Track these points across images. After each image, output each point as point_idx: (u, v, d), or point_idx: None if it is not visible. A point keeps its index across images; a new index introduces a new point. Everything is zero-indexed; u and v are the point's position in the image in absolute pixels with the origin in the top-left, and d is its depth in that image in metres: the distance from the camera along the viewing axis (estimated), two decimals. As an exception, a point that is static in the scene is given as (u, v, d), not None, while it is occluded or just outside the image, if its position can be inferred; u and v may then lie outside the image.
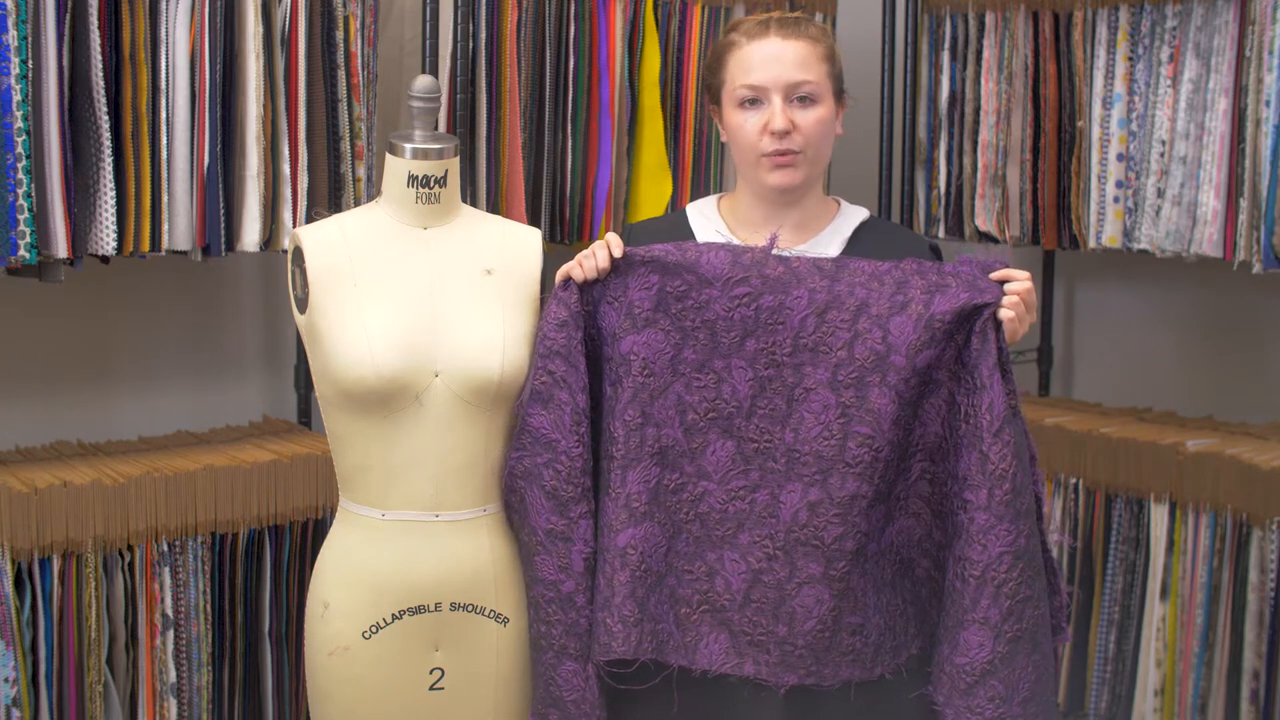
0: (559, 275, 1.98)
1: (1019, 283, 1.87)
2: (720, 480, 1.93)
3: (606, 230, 2.92)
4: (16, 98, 2.24)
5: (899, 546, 1.92)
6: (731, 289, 1.91)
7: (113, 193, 2.37)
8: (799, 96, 1.95)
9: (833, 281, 1.91)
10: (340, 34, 2.61)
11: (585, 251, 1.96)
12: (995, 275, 1.88)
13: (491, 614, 2.06)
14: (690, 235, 2.05)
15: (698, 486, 1.93)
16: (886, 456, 1.87)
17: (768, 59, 1.96)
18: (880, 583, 1.92)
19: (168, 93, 2.43)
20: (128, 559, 2.41)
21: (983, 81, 3.18)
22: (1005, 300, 1.86)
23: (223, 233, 2.49)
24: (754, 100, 1.96)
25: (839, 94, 2.02)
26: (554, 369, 1.94)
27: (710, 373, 1.92)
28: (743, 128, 1.97)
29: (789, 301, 1.90)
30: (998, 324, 1.85)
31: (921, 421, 1.88)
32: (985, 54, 3.17)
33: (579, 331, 1.95)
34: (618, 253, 1.94)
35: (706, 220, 2.06)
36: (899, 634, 1.94)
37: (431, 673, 2.05)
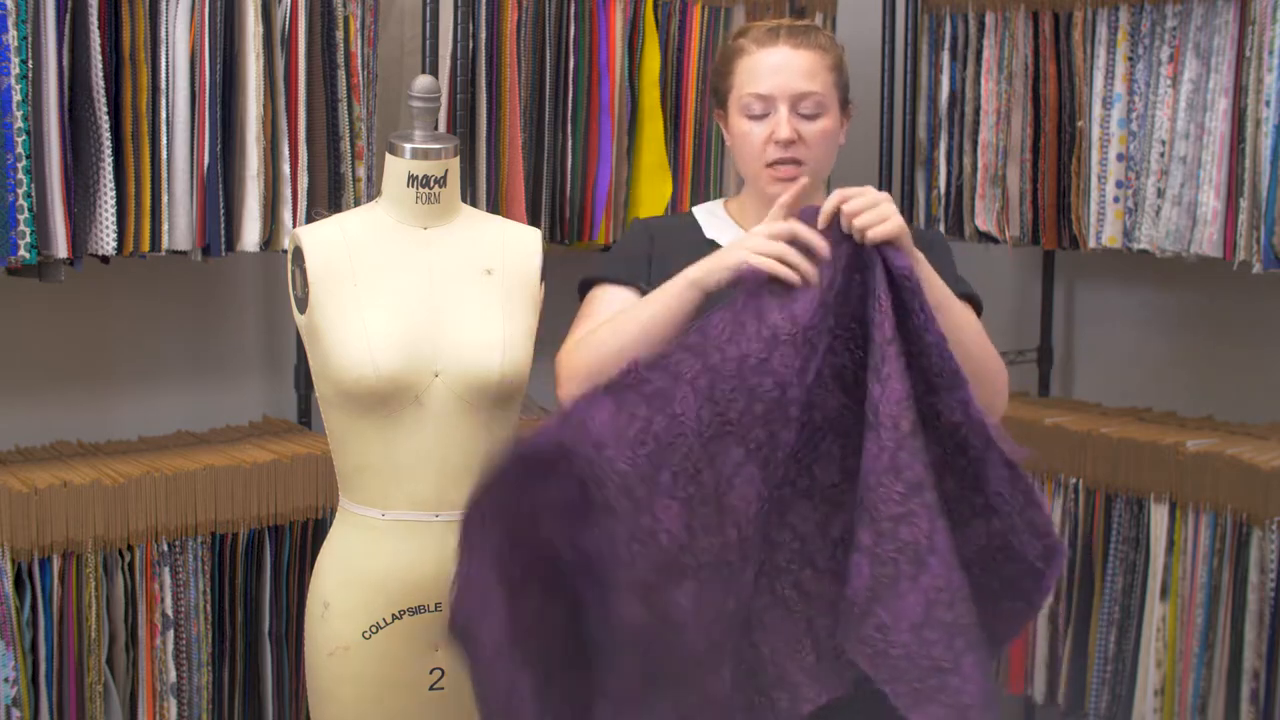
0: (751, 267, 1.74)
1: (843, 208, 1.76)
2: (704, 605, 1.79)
3: (607, 230, 2.91)
4: (16, 98, 2.24)
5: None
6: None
7: (113, 193, 2.37)
8: (804, 108, 1.95)
9: (705, 358, 1.73)
10: (340, 34, 2.61)
11: (775, 246, 1.73)
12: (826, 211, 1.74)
13: (491, 614, 2.06)
14: (699, 233, 2.06)
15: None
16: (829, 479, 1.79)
17: (775, 68, 1.96)
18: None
19: (168, 93, 2.43)
20: (128, 559, 2.41)
21: (983, 81, 3.18)
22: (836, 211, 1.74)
23: (223, 233, 2.49)
24: (761, 110, 1.96)
25: (844, 103, 2.02)
26: None
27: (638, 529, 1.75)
28: (748, 137, 1.97)
29: (677, 409, 1.71)
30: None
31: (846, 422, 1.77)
32: (985, 54, 3.17)
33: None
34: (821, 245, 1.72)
35: (716, 219, 2.07)
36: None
37: (431, 673, 2.05)
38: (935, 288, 1.84)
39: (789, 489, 1.78)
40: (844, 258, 1.75)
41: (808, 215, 1.77)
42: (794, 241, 1.72)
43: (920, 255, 1.80)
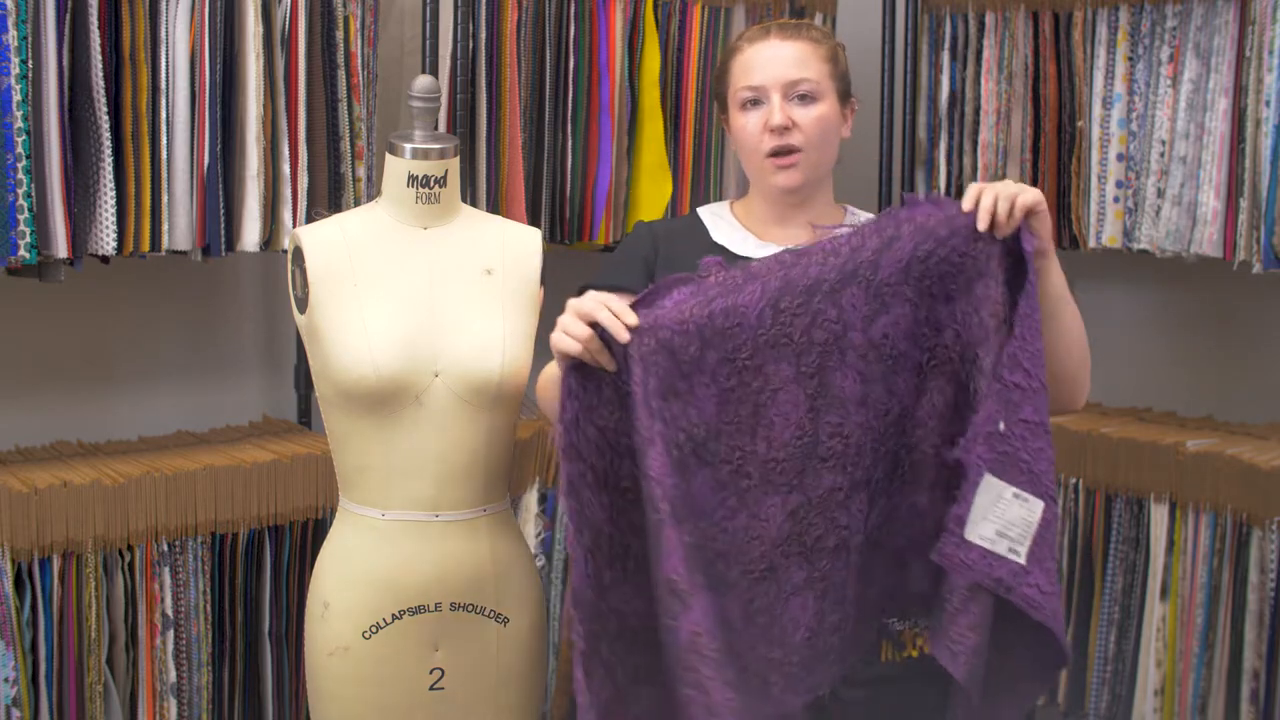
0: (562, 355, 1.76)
1: (982, 195, 1.77)
2: (707, 516, 1.76)
3: (607, 230, 2.91)
4: (16, 98, 2.24)
5: (884, 534, 1.83)
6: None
7: (113, 193, 2.37)
8: (799, 95, 1.96)
9: (788, 269, 1.79)
10: (340, 34, 2.61)
11: (579, 329, 1.73)
12: (966, 205, 1.78)
13: (491, 614, 2.06)
14: (706, 236, 2.06)
15: (698, 529, 1.74)
16: (857, 441, 1.77)
17: (767, 60, 1.97)
18: (863, 574, 1.82)
19: (168, 93, 2.43)
20: (128, 559, 2.41)
21: (983, 81, 3.18)
22: (978, 216, 1.75)
23: (223, 233, 2.49)
24: (755, 101, 1.97)
25: (844, 95, 2.02)
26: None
27: (677, 398, 1.74)
28: (745, 129, 1.98)
29: (741, 300, 1.76)
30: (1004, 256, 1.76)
31: (899, 398, 1.78)
32: (985, 54, 3.17)
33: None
34: (625, 337, 1.72)
35: (723, 222, 2.07)
36: (865, 629, 1.86)
37: (431, 673, 2.05)
38: (1057, 281, 1.87)
39: (827, 443, 1.78)
40: (961, 242, 1.76)
41: (925, 205, 1.79)
42: (597, 323, 1.71)
43: (1049, 249, 1.82)
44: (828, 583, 1.80)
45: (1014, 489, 1.76)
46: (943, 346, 1.79)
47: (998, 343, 1.76)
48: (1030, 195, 1.76)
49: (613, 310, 1.71)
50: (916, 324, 1.78)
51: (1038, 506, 1.77)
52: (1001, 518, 1.76)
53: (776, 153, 1.96)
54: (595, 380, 1.75)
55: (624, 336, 1.71)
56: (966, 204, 1.77)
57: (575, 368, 1.74)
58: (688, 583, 1.70)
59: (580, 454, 1.76)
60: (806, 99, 1.96)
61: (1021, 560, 1.75)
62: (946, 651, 1.79)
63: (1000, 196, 1.75)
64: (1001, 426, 1.75)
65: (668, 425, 1.72)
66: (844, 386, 1.77)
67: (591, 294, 1.76)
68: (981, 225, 1.75)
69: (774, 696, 1.81)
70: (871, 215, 2.07)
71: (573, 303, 1.74)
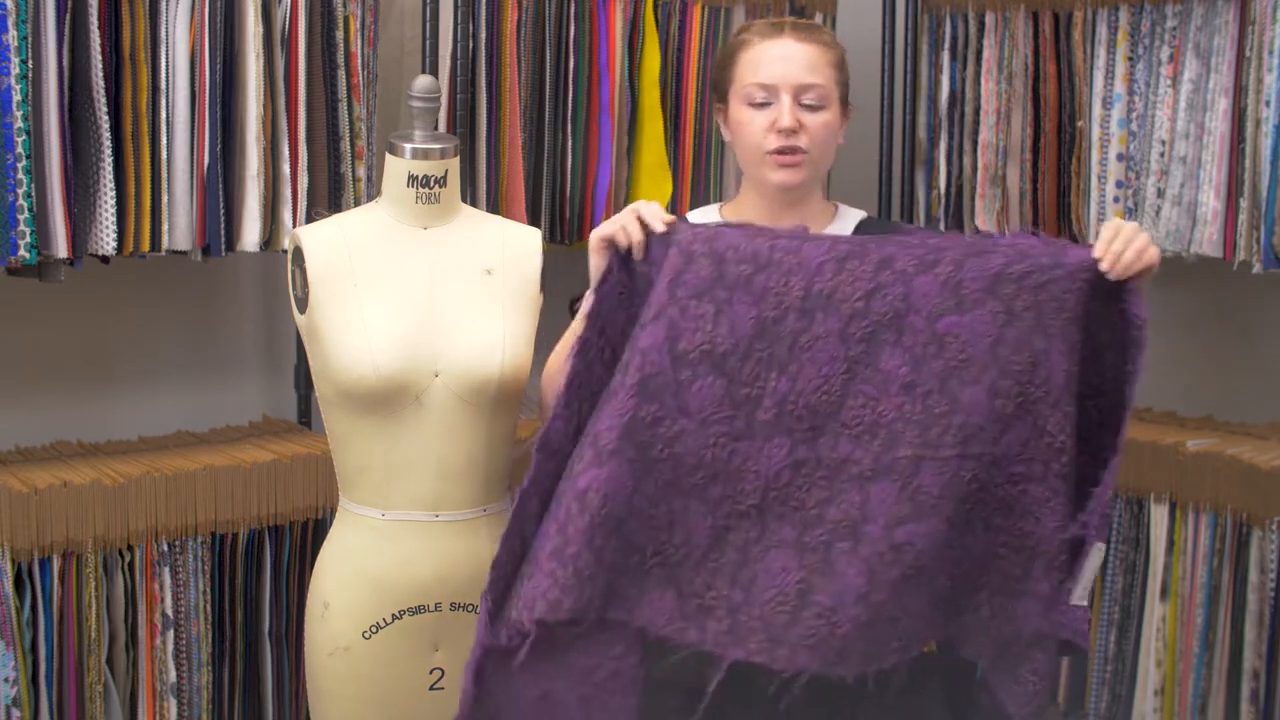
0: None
1: (1115, 240, 1.75)
2: (701, 421, 1.74)
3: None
4: (16, 98, 2.24)
5: (919, 550, 1.72)
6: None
7: (113, 193, 2.37)
8: (807, 99, 1.96)
9: (865, 242, 1.77)
10: (340, 34, 2.61)
11: (627, 221, 1.85)
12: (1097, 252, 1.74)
13: (491, 614, 2.06)
14: None
15: (676, 424, 1.74)
16: (890, 423, 1.72)
17: (780, 58, 1.97)
18: (876, 576, 1.71)
19: (168, 93, 2.43)
20: (128, 559, 2.41)
21: (983, 81, 3.18)
22: (1102, 255, 1.73)
23: (223, 233, 2.49)
24: (763, 98, 1.96)
25: (844, 102, 2.02)
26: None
27: (711, 302, 1.74)
28: (749, 125, 1.98)
29: (807, 246, 1.75)
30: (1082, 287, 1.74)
31: (963, 409, 1.72)
32: (985, 54, 3.17)
33: None
34: (660, 228, 1.82)
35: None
36: (881, 638, 1.74)
37: (431, 673, 2.06)
38: None
39: (855, 412, 1.75)
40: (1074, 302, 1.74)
41: (1028, 236, 1.78)
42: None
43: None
44: (820, 558, 1.72)
45: (1099, 543, 1.77)
46: (1034, 385, 1.73)
47: (1071, 391, 1.75)
48: (1153, 255, 1.76)
49: (657, 214, 1.84)
50: (1001, 343, 1.72)
51: (1103, 549, 1.78)
52: (1089, 573, 1.78)
53: (781, 151, 1.96)
54: (636, 273, 1.81)
55: (659, 226, 1.81)
56: (1099, 248, 1.74)
57: (619, 256, 1.82)
58: (614, 446, 1.72)
59: (604, 328, 1.81)
60: (815, 104, 1.96)
61: (1085, 601, 1.77)
62: (1009, 692, 1.79)
63: (1131, 246, 1.74)
64: (1109, 495, 1.78)
65: (683, 315, 1.75)
66: (891, 365, 1.73)
67: (643, 202, 1.86)
68: (1105, 265, 1.73)
69: (703, 626, 1.75)
70: (862, 212, 2.08)
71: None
